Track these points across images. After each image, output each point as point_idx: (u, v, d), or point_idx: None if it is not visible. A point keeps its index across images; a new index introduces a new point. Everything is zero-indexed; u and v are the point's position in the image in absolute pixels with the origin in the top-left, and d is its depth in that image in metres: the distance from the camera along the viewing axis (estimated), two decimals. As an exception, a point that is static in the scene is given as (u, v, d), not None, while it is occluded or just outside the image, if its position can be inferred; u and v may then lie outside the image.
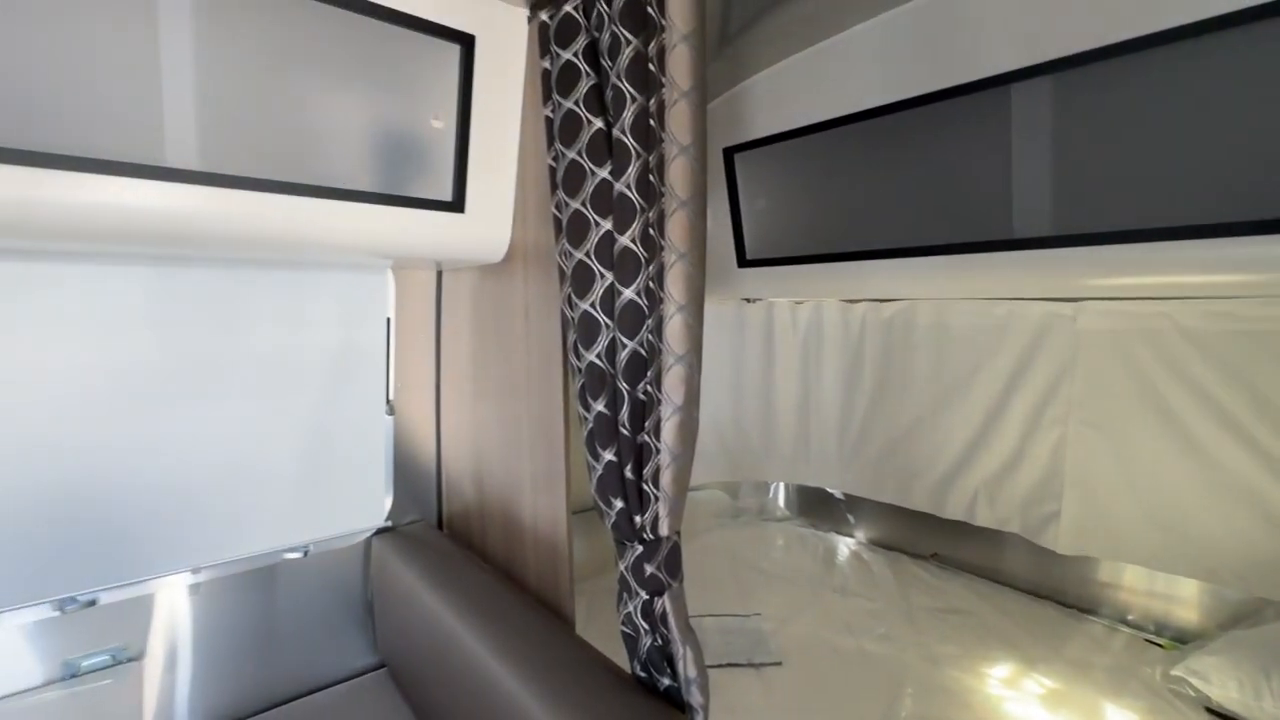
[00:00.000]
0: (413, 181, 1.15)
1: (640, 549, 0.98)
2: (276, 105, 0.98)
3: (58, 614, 1.23)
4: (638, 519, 0.98)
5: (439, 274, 1.63)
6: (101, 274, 1.16)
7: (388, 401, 1.57)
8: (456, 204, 1.19)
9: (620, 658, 1.09)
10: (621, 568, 1.01)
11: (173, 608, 1.37)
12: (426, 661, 1.36)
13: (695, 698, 0.97)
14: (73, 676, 1.25)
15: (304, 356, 1.43)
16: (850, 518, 2.35)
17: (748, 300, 2.26)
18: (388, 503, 1.62)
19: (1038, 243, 1.29)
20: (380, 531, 1.64)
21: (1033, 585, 1.97)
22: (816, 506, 2.47)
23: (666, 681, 0.98)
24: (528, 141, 1.22)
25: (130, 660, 1.31)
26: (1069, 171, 1.22)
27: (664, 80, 0.89)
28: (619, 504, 0.98)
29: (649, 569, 0.97)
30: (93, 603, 1.26)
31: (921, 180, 1.42)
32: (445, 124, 1.15)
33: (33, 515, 1.15)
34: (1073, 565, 1.88)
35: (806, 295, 2.13)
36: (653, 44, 0.89)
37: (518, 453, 1.37)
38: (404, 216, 1.15)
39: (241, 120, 0.96)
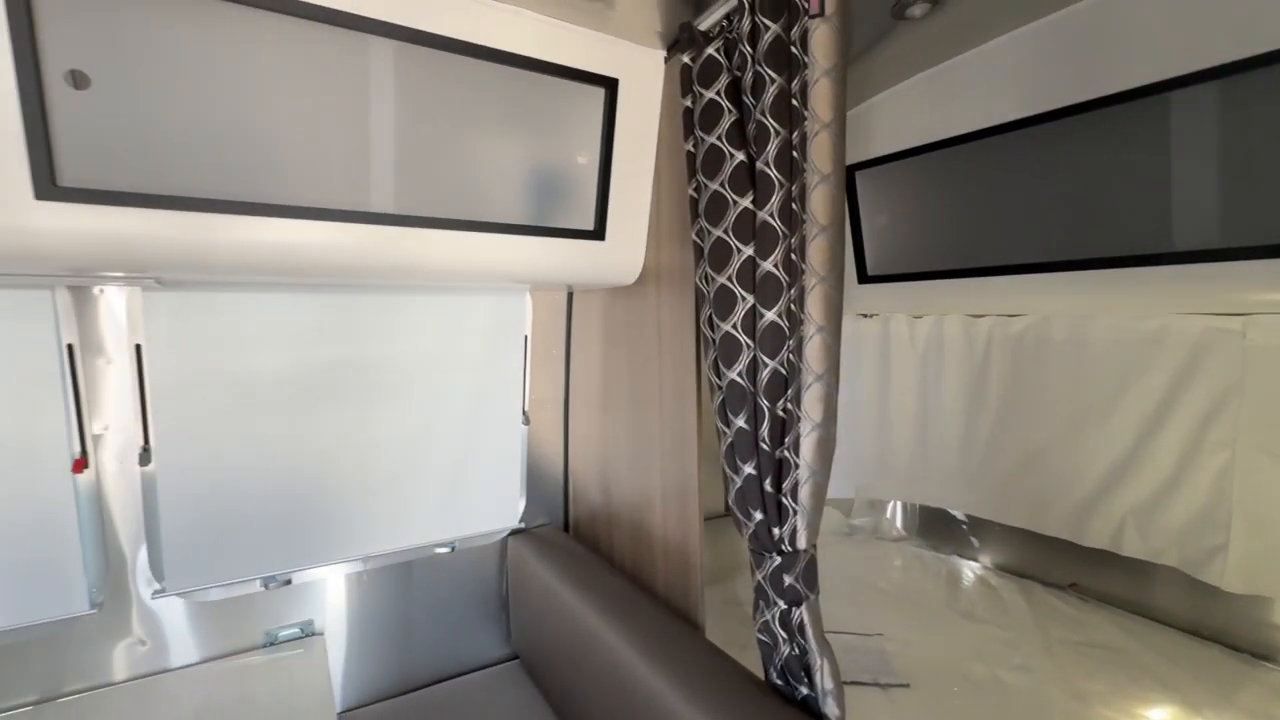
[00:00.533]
0: (559, 213, 1.27)
1: (779, 560, 1.02)
2: (451, 155, 1.13)
3: (263, 590, 1.45)
4: (776, 531, 1.02)
5: (570, 294, 1.75)
6: (296, 300, 1.36)
7: (523, 412, 1.71)
8: (598, 232, 1.30)
9: (750, 665, 1.13)
10: (759, 577, 1.05)
11: (345, 591, 1.57)
12: (561, 656, 1.46)
13: (832, 709, 0.99)
14: (272, 644, 1.47)
15: (452, 371, 1.59)
16: (974, 541, 2.24)
17: (864, 315, 2.23)
18: (521, 506, 1.75)
19: (1203, 256, 1.21)
20: (514, 532, 1.78)
21: (1191, 624, 1.79)
22: (936, 527, 2.37)
23: (804, 690, 1.01)
24: (662, 173, 1.31)
25: (314, 635, 1.50)
26: (1238, 181, 1.13)
27: (806, 113, 0.94)
28: (758, 515, 1.03)
29: (787, 580, 1.01)
30: (288, 582, 1.47)
31: (1061, 194, 1.37)
32: (589, 160, 1.26)
33: (250, 504, 1.37)
34: (1242, 605, 1.70)
35: (930, 310, 2.08)
36: (795, 80, 0.94)
37: (648, 464, 1.45)
38: (551, 245, 1.27)
39: (424, 169, 1.11)
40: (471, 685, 1.68)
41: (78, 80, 0.83)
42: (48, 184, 0.83)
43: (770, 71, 0.94)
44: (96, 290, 1.22)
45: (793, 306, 0.97)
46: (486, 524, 1.71)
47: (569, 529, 1.87)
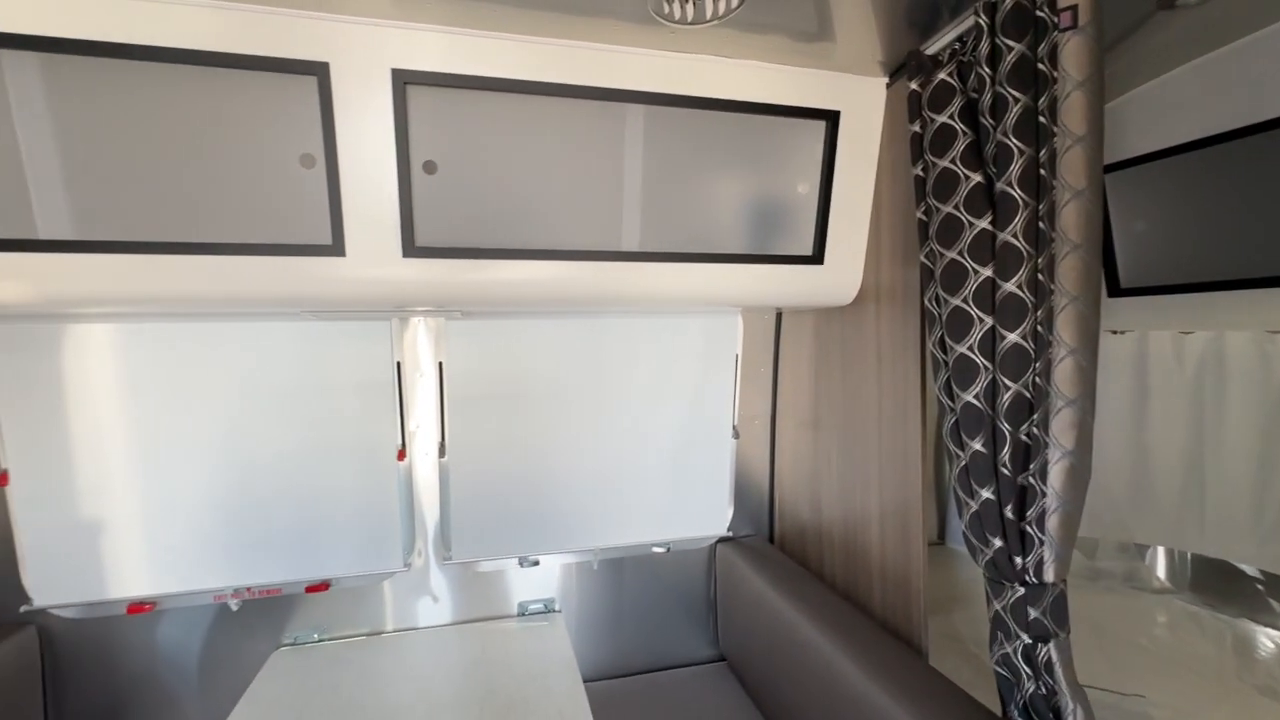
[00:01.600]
0: (778, 240, 1.35)
1: (1022, 591, 0.98)
2: (685, 196, 1.27)
3: (518, 567, 1.73)
4: (1018, 560, 0.98)
5: (778, 315, 1.82)
6: (552, 325, 1.62)
7: (733, 427, 1.81)
8: (816, 257, 1.36)
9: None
10: (997, 607, 1.02)
11: (576, 577, 1.79)
12: (772, 662, 1.52)
13: (1088, 759, 0.92)
14: (522, 615, 1.73)
15: (670, 386, 1.74)
16: (1275, 604, 1.83)
17: (1114, 332, 1.97)
18: (729, 515, 1.85)
19: None
20: (722, 540, 1.88)
21: None
22: (1215, 582, 1.98)
23: (1054, 734, 0.96)
24: (883, 196, 1.33)
25: (555, 611, 1.75)
26: None
27: (1056, 129, 0.91)
28: (997, 543, 1.00)
29: (1032, 613, 0.97)
30: (536, 563, 1.73)
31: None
32: (809, 188, 1.32)
33: (512, 496, 1.65)
34: None
35: (1203, 325, 1.77)
36: (1044, 97, 0.92)
37: (865, 485, 1.45)
38: (769, 271, 1.36)
39: (663, 211, 1.27)
40: (680, 679, 1.80)
41: (428, 168, 1.12)
42: (410, 245, 1.13)
43: (1014, 91, 0.93)
44: (415, 320, 1.58)
45: (1039, 328, 0.94)
46: (697, 529, 1.83)
47: (774, 541, 1.92)
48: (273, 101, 1.04)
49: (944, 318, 1.05)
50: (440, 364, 1.58)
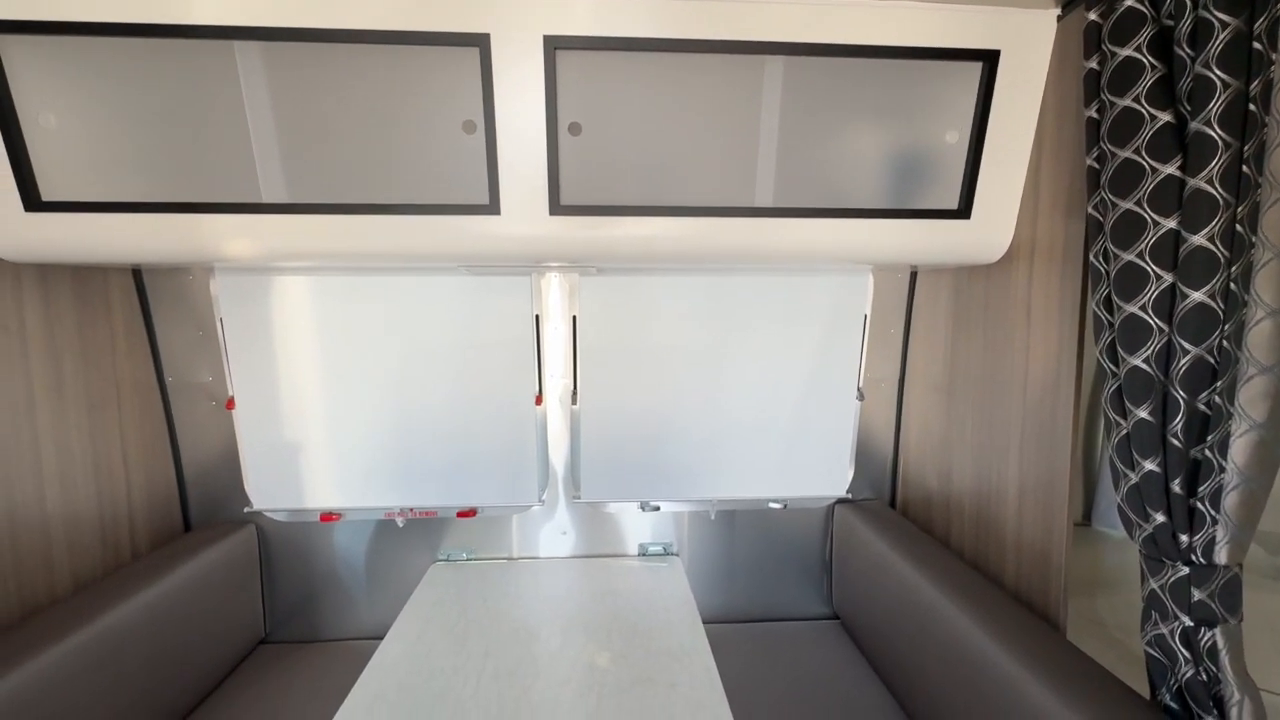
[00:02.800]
0: (920, 194, 1.29)
1: (1185, 571, 0.91)
2: (823, 149, 1.25)
3: (640, 511, 1.84)
4: (1183, 538, 0.91)
5: (913, 273, 1.74)
6: (681, 281, 1.66)
7: (858, 389, 1.78)
8: (963, 211, 1.28)
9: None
10: (1154, 585, 0.95)
11: (693, 525, 1.88)
12: (890, 624, 1.52)
13: (1254, 755, 0.86)
14: (643, 555, 1.85)
15: (796, 345, 1.73)
16: None
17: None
18: (849, 478, 1.84)
19: None
20: (841, 501, 1.88)
21: None
22: None
23: (1211, 721, 0.90)
24: (1045, 142, 1.22)
25: (673, 555, 1.85)
26: None
27: (1274, 57, 0.80)
28: (1159, 518, 0.93)
29: (1197, 595, 0.90)
30: (657, 508, 1.83)
31: None
32: (959, 137, 1.24)
33: (638, 443, 1.75)
34: None
35: None
36: (1261, 20, 0.80)
37: (1003, 455, 1.39)
38: (910, 227, 1.30)
39: (800, 165, 1.25)
40: (791, 631, 1.84)
41: (573, 129, 1.19)
42: (556, 203, 1.22)
43: (1221, 15, 0.82)
44: (553, 275, 1.69)
45: (1232, 286, 0.84)
46: (815, 489, 1.84)
47: (895, 507, 1.88)
48: (440, 72, 1.15)
49: (1112, 274, 0.96)
50: (574, 317, 1.69)
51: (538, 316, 1.67)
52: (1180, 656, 0.92)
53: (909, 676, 1.42)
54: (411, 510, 1.75)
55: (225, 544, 1.63)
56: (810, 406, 1.78)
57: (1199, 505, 0.89)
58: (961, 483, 1.56)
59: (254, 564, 1.74)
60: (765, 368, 1.74)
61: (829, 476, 1.84)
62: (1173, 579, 0.92)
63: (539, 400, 1.72)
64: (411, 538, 1.81)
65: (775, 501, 1.84)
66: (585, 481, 1.77)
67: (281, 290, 1.59)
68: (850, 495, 1.86)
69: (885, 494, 1.91)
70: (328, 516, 1.74)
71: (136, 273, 1.59)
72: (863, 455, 1.86)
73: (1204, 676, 0.91)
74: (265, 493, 1.71)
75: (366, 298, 1.61)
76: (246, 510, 1.72)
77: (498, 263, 1.36)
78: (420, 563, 1.81)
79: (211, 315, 1.62)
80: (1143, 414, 0.93)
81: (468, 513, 1.77)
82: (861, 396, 1.78)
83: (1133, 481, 0.96)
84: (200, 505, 1.76)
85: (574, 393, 1.74)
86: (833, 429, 1.80)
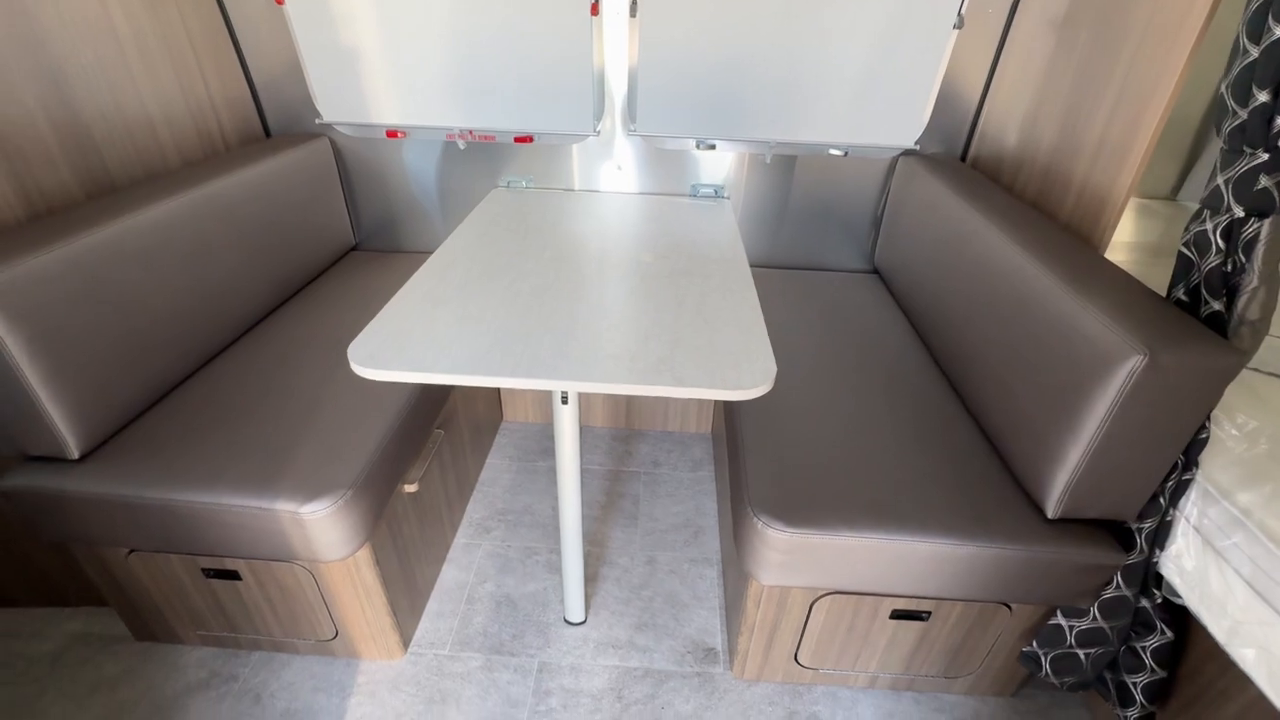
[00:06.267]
0: None
1: (1265, 158, 0.85)
2: None
3: (695, 150, 1.82)
4: (1278, 120, 0.83)
5: None
6: None
7: (959, 14, 1.53)
8: None
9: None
10: (1219, 180, 0.91)
11: (747, 167, 1.86)
12: (930, 268, 1.56)
13: (1244, 336, 0.92)
14: (694, 196, 1.89)
15: None
16: None
17: None
18: (922, 125, 1.71)
19: None
20: (907, 153, 1.79)
21: None
22: None
23: (1215, 307, 0.94)
24: None
25: (723, 198, 1.87)
26: None
27: None
28: (1261, 97, 0.84)
29: (1264, 182, 0.86)
30: (713, 147, 1.80)
31: None
32: None
33: (699, 73, 1.63)
34: None
35: None
36: None
37: (1094, 108, 1.23)
38: None
39: None
40: (830, 279, 1.94)
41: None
42: None
43: None
44: None
45: None
46: (882, 138, 1.74)
47: (966, 161, 1.79)
48: None
49: None
50: None
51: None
52: (1214, 247, 0.93)
53: (940, 321, 1.50)
54: (471, 132, 1.79)
55: (303, 150, 1.75)
56: (896, 39, 1.57)
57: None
58: (1043, 136, 1.44)
59: (333, 174, 1.88)
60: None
61: (900, 124, 1.71)
62: (1245, 168, 0.87)
63: (595, 9, 1.57)
64: (475, 162, 1.88)
65: (836, 148, 1.77)
66: (641, 111, 1.72)
67: None
68: (919, 148, 1.76)
69: (957, 150, 1.80)
70: (392, 133, 1.80)
71: None
72: (944, 102, 1.71)
73: (1228, 268, 0.92)
74: (332, 105, 1.75)
75: None
76: (318, 122, 1.79)
77: None
78: (481, 188, 1.92)
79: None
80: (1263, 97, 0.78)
81: (524, 139, 1.80)
82: (960, 24, 1.55)
83: (1234, 73, 0.85)
84: (275, 115, 1.84)
85: (633, 3, 1.58)
86: (916, 67, 1.61)
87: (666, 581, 1.62)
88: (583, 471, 1.97)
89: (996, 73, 1.64)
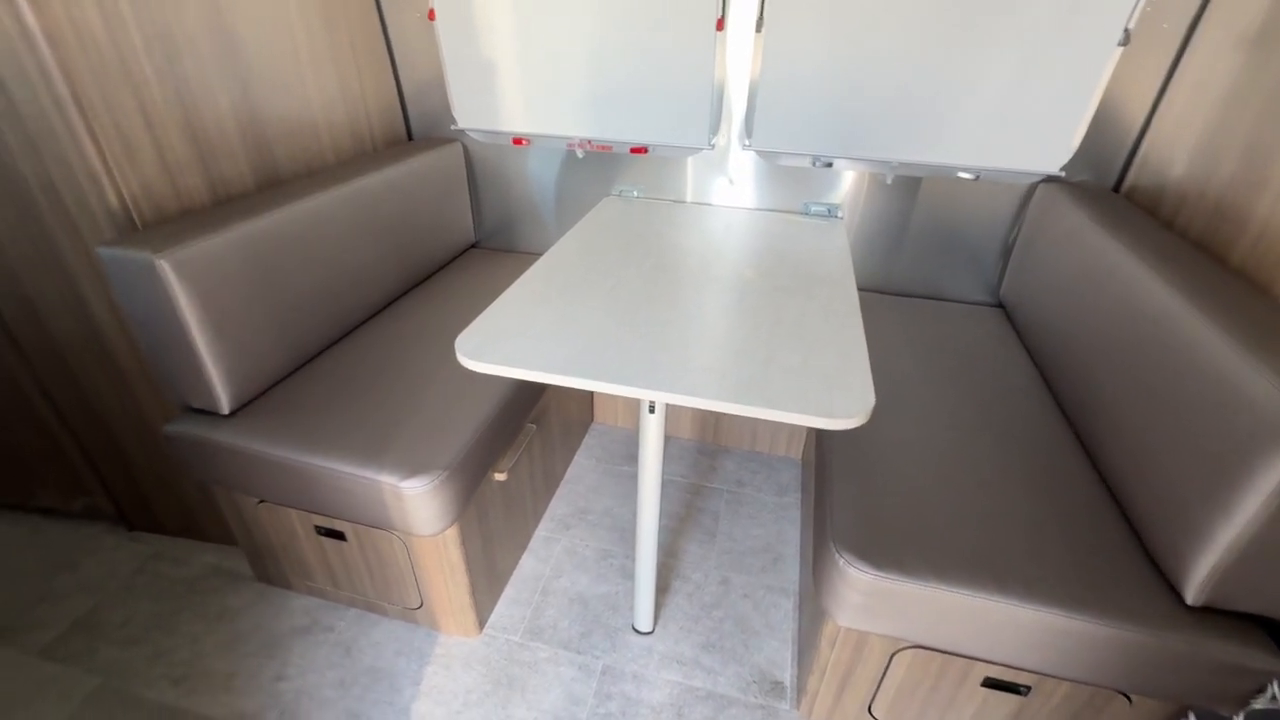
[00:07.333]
0: None
1: None
2: None
3: (810, 166, 1.77)
4: None
5: None
6: None
7: (1125, 30, 1.39)
8: None
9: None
10: None
11: (866, 186, 1.78)
12: (1067, 308, 1.42)
13: None
14: (805, 214, 1.84)
15: None
16: None
17: None
18: (1071, 149, 1.56)
19: None
20: (1049, 180, 1.64)
21: None
22: None
23: None
24: None
25: (837, 218, 1.81)
26: None
27: None
28: None
29: None
30: (829, 165, 1.75)
31: None
32: None
33: (824, 86, 1.59)
34: None
35: None
36: None
37: None
38: None
39: None
40: (947, 310, 1.81)
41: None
42: None
43: None
44: None
45: None
46: (1022, 161, 1.60)
47: (1119, 192, 1.61)
48: None
49: None
50: None
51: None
52: None
53: (1071, 364, 1.35)
54: (590, 142, 1.86)
55: (438, 153, 1.90)
56: (1049, 56, 1.45)
57: None
58: (1218, 167, 1.26)
59: (462, 176, 2.02)
60: (994, 24, 1.41)
61: (1044, 147, 1.57)
62: None
63: (720, 24, 1.58)
64: (590, 171, 1.95)
65: (967, 171, 1.65)
66: (759, 126, 1.70)
67: None
68: (1064, 174, 1.61)
69: (1109, 179, 1.62)
70: (518, 140, 1.91)
71: None
72: (1099, 123, 1.55)
73: None
74: (467, 112, 1.89)
75: None
76: (453, 128, 1.94)
77: None
78: (595, 195, 1.99)
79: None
80: None
81: (639, 149, 1.84)
82: (1126, 40, 1.40)
83: None
84: (418, 120, 2.01)
85: (760, 18, 1.57)
86: (1069, 87, 1.48)
87: (739, 605, 1.58)
88: (664, 482, 1.97)
89: (1166, 95, 1.47)
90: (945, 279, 1.86)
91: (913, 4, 1.46)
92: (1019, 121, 1.54)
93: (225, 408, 1.29)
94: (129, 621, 1.51)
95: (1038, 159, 1.59)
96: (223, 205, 1.35)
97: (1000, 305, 1.84)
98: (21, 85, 1.08)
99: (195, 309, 1.17)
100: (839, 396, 0.90)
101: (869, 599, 1.02)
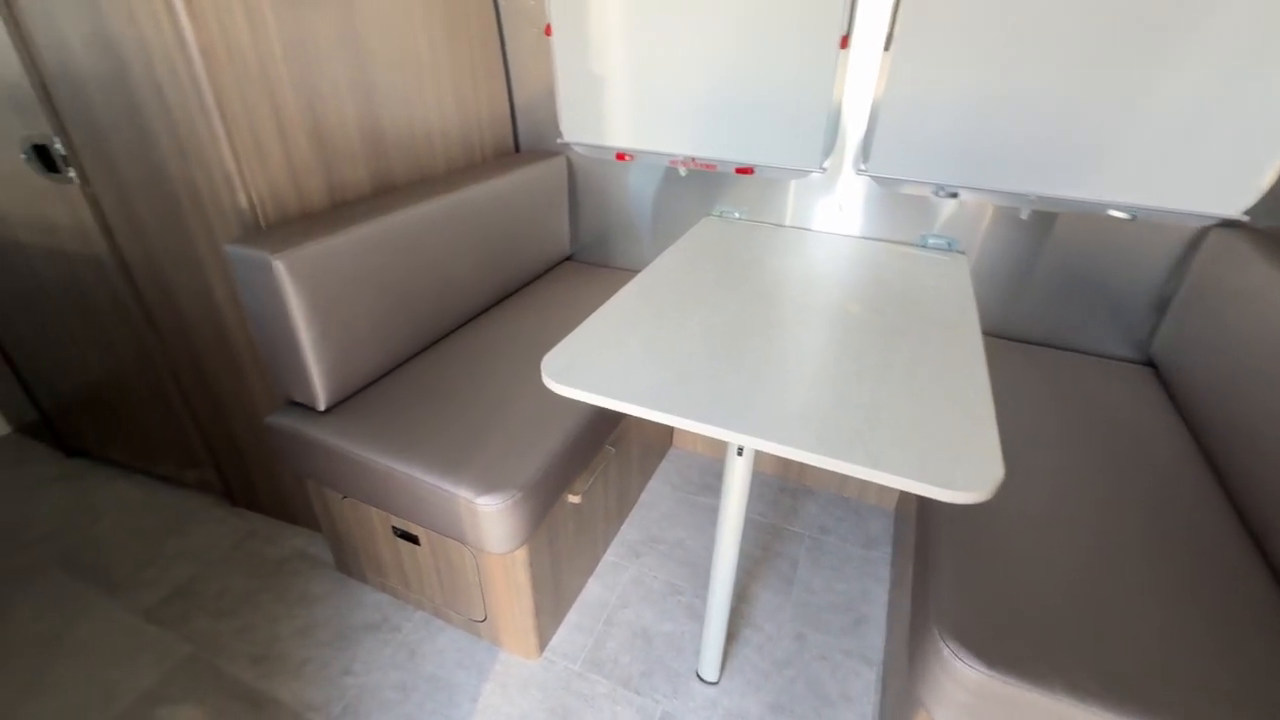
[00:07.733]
0: None
1: None
2: None
3: (932, 197, 1.62)
4: None
5: None
6: None
7: (1344, 50, 1.16)
8: None
9: None
10: None
11: (994, 221, 1.60)
12: (1241, 374, 1.20)
13: None
14: (923, 247, 1.68)
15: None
16: None
17: None
18: (1255, 193, 1.33)
19: None
20: (1227, 224, 1.41)
21: None
22: None
23: None
24: None
25: (958, 252, 1.64)
26: None
27: None
28: None
29: None
30: (954, 195, 1.59)
31: None
32: None
33: (948, 106, 1.45)
34: None
35: None
36: None
37: None
38: None
39: None
40: (1085, 364, 1.59)
41: None
42: None
43: None
44: None
45: None
46: (1190, 202, 1.38)
47: (1318, 244, 1.35)
48: None
49: None
50: None
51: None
52: None
53: (1241, 442, 1.14)
54: (694, 160, 1.80)
55: (542, 166, 1.91)
56: (1235, 82, 1.24)
57: None
58: None
59: (564, 189, 2.03)
60: (1171, 18, 1.22)
61: (1223, 187, 1.35)
62: None
63: (845, 41, 1.48)
64: (692, 189, 1.90)
65: (1123, 210, 1.45)
66: (877, 150, 1.58)
67: None
68: (1247, 219, 1.37)
69: (1306, 224, 1.37)
70: (621, 155, 1.89)
71: None
72: (1295, 162, 1.31)
73: None
74: (573, 126, 1.90)
75: None
76: (559, 141, 1.95)
77: None
78: (695, 214, 1.93)
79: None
80: None
81: (745, 170, 1.76)
82: (1344, 64, 1.17)
83: None
84: (526, 133, 2.04)
85: (889, 35, 1.46)
86: (1261, 118, 1.26)
87: (813, 666, 1.45)
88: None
89: (1395, 130, 1.22)
90: (1078, 328, 1.64)
91: (1075, 19, 1.29)
92: (1194, 157, 1.33)
93: (322, 404, 1.33)
94: (223, 594, 1.60)
95: (1213, 200, 1.37)
96: (339, 208, 1.41)
97: (1150, 364, 1.60)
98: (176, 94, 1.17)
99: (304, 308, 1.22)
100: (958, 463, 0.78)
101: (978, 700, 0.88)
